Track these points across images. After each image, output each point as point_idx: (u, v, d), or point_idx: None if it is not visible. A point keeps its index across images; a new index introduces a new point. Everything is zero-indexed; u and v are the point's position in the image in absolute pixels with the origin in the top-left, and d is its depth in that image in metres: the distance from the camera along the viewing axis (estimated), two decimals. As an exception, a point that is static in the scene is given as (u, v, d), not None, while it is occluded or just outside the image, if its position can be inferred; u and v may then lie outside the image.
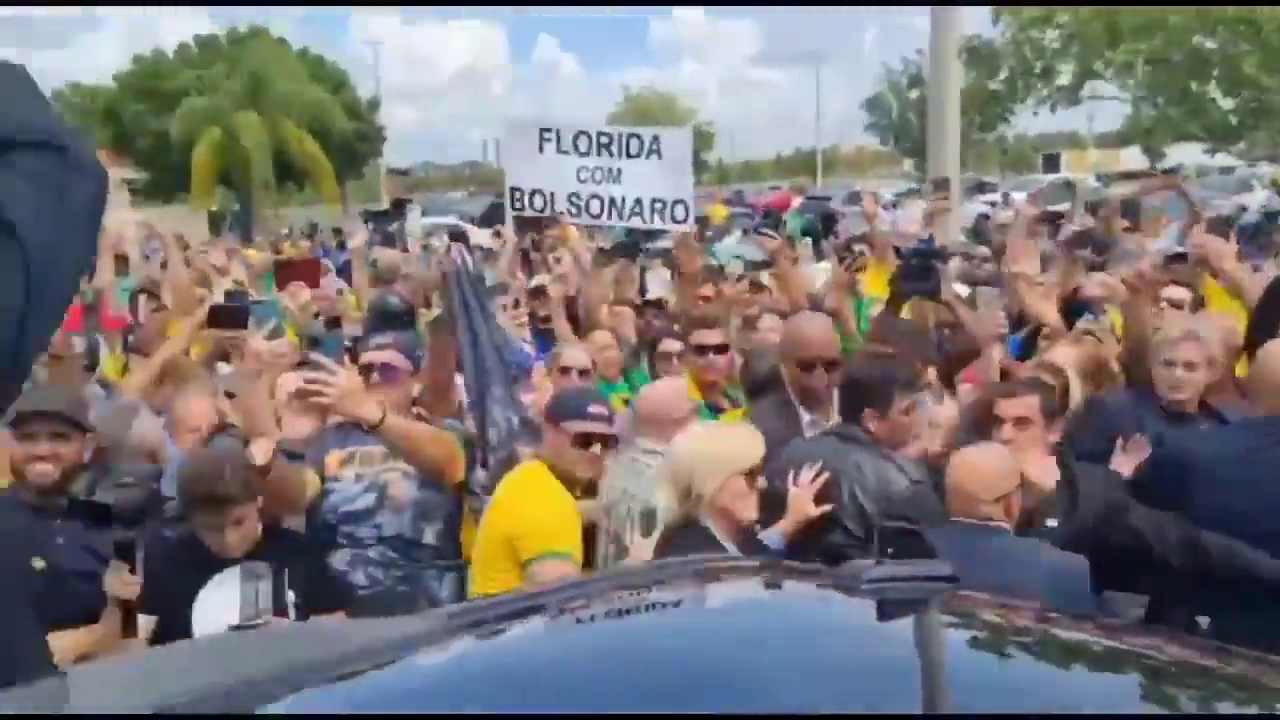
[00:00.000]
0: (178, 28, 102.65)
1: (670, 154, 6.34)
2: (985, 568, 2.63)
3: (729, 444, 3.04)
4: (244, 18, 57.14)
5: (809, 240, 13.00)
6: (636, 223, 6.52)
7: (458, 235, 8.24)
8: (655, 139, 6.39)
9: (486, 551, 3.27)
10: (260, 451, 3.10)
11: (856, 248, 6.83)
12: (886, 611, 1.46)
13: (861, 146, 63.73)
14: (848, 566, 1.49)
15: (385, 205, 29.11)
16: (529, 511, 3.21)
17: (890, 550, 2.89)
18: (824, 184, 47.14)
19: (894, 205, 17.31)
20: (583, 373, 4.39)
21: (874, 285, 6.17)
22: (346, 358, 4.49)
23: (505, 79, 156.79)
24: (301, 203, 44.67)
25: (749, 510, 2.98)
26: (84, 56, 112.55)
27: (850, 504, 3.32)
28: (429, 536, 3.51)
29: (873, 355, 4.13)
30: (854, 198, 18.87)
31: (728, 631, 1.44)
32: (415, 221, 10.59)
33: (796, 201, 25.06)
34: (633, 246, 6.88)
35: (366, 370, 3.65)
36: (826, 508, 3.28)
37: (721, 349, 4.60)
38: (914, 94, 37.09)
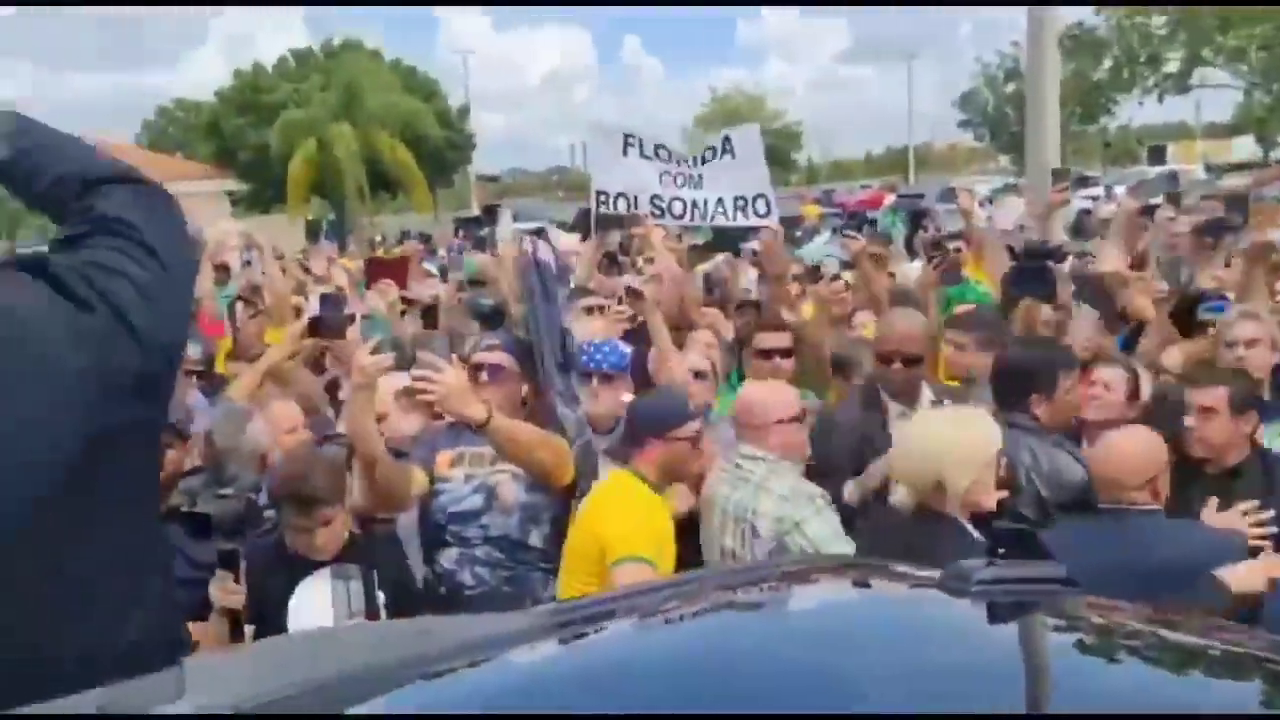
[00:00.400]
0: (275, 42, 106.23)
1: (742, 150, 6.31)
2: (1140, 551, 2.64)
3: (978, 434, 2.94)
4: (340, 24, 58.70)
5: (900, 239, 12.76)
6: (721, 222, 6.49)
7: (540, 233, 8.31)
8: (726, 139, 6.39)
9: (575, 556, 3.26)
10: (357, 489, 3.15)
11: (951, 245, 6.68)
12: (995, 615, 1.41)
13: (955, 143, 62.51)
14: (957, 568, 1.45)
15: (476, 212, 29.60)
16: (619, 517, 3.18)
17: (1002, 551, 2.82)
18: (916, 182, 46.32)
19: (989, 201, 16.90)
20: (699, 374, 4.37)
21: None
22: (454, 357, 4.55)
23: (592, 82, 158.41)
24: (394, 210, 45.79)
25: (991, 499, 2.93)
26: (189, 73, 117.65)
27: (1027, 490, 3.29)
28: (535, 539, 3.50)
29: (1027, 341, 4.09)
30: (947, 195, 18.47)
31: (828, 633, 1.41)
32: (507, 226, 10.69)
33: (889, 200, 24.69)
34: (729, 243, 6.85)
35: (475, 370, 3.67)
36: (1002, 494, 3.16)
37: (787, 353, 4.52)
38: (1010, 87, 36.18)
